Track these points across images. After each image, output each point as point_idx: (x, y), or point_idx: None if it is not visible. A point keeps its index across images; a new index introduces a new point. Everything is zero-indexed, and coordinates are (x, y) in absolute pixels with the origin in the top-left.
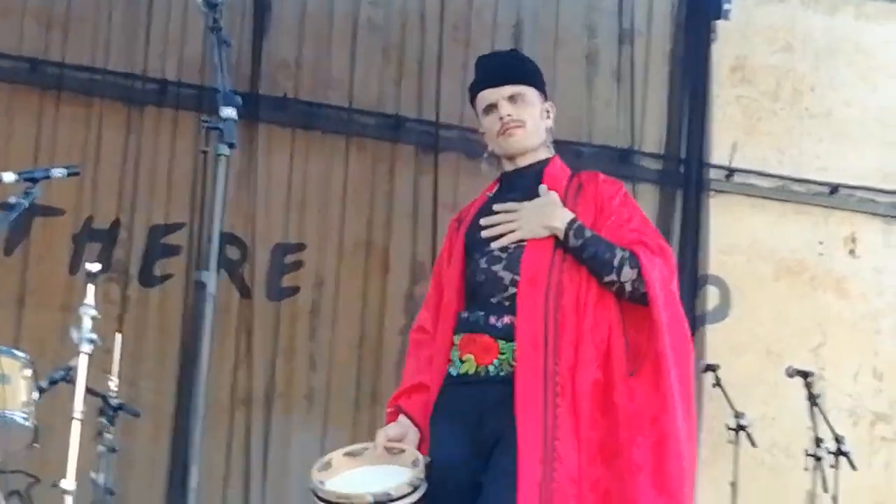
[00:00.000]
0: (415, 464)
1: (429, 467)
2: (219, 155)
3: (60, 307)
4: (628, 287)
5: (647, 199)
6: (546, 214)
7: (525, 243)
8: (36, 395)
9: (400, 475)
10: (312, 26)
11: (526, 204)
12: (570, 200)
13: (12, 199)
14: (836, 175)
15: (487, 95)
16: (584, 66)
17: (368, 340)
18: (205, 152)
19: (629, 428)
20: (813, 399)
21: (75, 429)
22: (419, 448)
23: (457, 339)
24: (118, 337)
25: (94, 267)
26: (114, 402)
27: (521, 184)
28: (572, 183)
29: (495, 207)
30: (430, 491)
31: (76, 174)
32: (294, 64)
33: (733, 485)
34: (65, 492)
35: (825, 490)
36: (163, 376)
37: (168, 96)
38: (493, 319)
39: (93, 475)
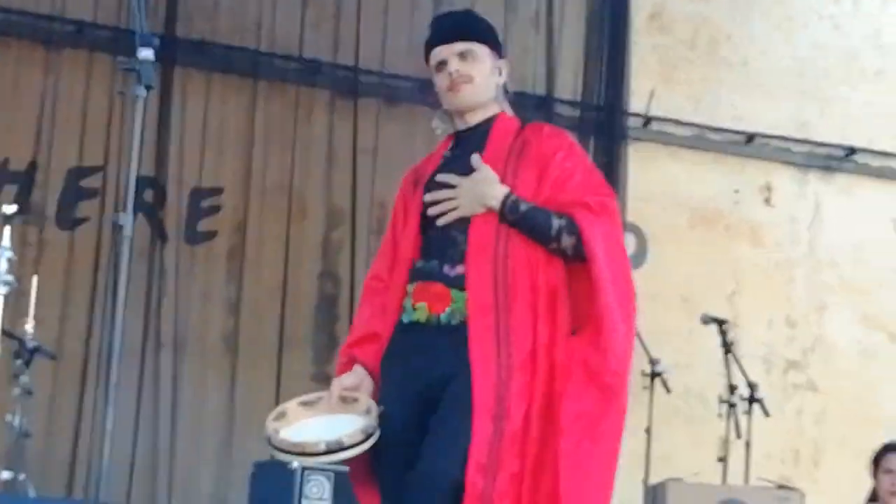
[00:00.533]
0: (368, 411)
1: (382, 416)
2: (136, 97)
3: None
4: (570, 252)
5: None
6: (481, 193)
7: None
8: None
9: (352, 423)
10: None
11: (464, 181)
12: (514, 161)
13: None
14: (752, 124)
15: (439, 52)
16: (503, 13)
17: (286, 285)
18: (122, 94)
19: (563, 381)
20: (727, 346)
21: None
22: (373, 397)
23: (410, 287)
24: (34, 279)
25: (10, 209)
26: (30, 344)
27: (472, 141)
28: (517, 140)
29: (438, 178)
30: (386, 423)
31: None
32: (212, 6)
33: (648, 431)
34: None
35: (738, 436)
36: (79, 319)
37: (85, 38)
38: (446, 268)
39: (8, 418)
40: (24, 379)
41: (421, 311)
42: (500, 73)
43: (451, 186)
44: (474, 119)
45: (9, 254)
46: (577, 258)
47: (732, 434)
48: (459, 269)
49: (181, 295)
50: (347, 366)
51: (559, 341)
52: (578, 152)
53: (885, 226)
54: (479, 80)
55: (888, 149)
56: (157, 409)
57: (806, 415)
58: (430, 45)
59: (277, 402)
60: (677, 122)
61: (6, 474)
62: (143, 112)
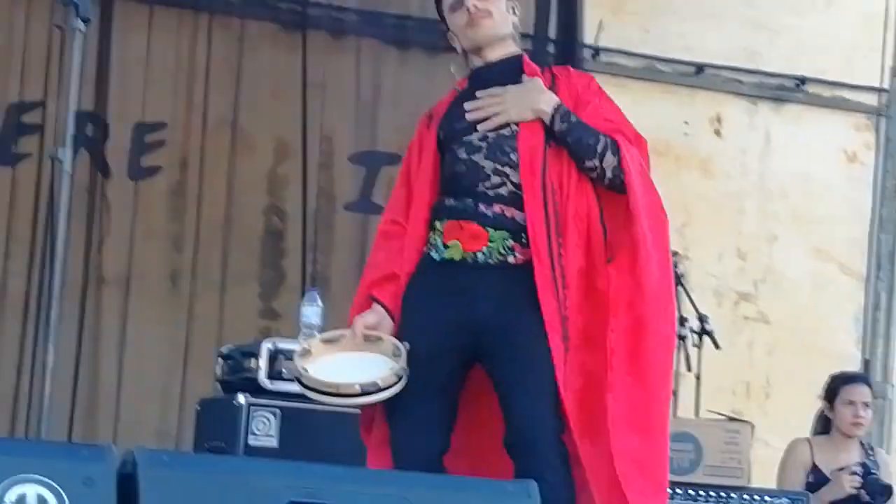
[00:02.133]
0: (396, 352)
1: (409, 354)
2: (74, 30)
3: None
4: (609, 174)
5: None
6: (533, 98)
7: (506, 131)
8: None
9: (383, 364)
10: None
11: (510, 88)
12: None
13: None
14: (702, 55)
15: None
16: None
17: (231, 220)
18: (59, 28)
19: (606, 312)
20: (677, 279)
21: None
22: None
23: (439, 224)
24: None
25: None
26: None
27: (492, 77)
28: (544, 76)
29: (479, 94)
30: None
31: None
32: None
33: None
34: None
35: (689, 369)
36: (21, 256)
37: None
38: (482, 207)
39: None
40: None
41: (455, 249)
42: (515, 13)
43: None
44: (493, 55)
45: None
46: (613, 181)
47: (683, 367)
48: (497, 209)
49: (125, 231)
50: (365, 305)
51: (598, 268)
52: (605, 93)
53: (835, 156)
54: (497, 15)
55: (839, 79)
56: (99, 346)
57: (757, 347)
58: None
59: (223, 338)
60: (626, 54)
61: None
62: (83, 46)
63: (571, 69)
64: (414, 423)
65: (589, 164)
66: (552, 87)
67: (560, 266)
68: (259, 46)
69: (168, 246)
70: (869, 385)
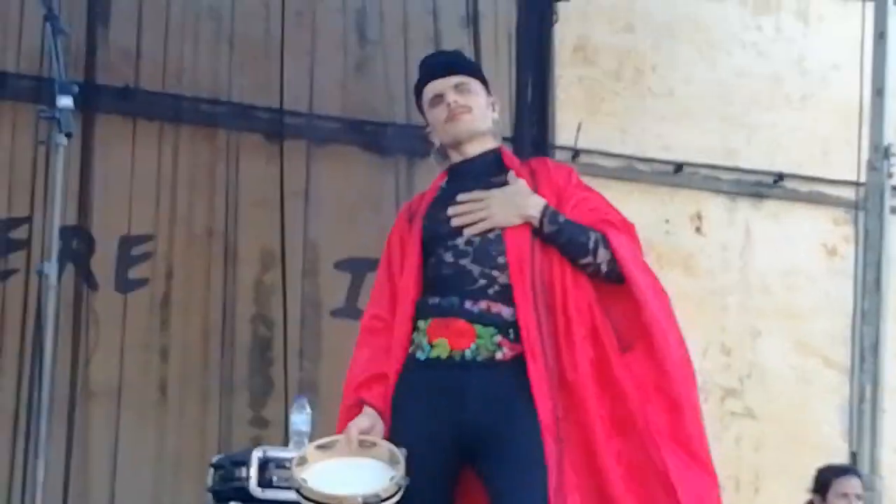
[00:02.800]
0: (393, 458)
1: (407, 460)
2: (57, 145)
3: None
4: (604, 268)
5: None
6: (520, 203)
7: (491, 234)
8: None
9: (380, 471)
10: (152, 14)
11: (495, 192)
12: (530, 187)
13: None
14: (680, 153)
15: (434, 86)
16: (432, 48)
17: (222, 330)
18: (43, 143)
19: (636, 397)
20: None
21: None
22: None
23: (423, 324)
24: None
25: None
26: None
27: (471, 172)
28: (523, 169)
29: (461, 197)
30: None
31: None
32: (134, 53)
33: None
34: None
35: None
36: (10, 372)
37: (7, 89)
38: (468, 304)
39: None
40: None
41: (441, 348)
42: (494, 109)
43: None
44: (472, 151)
45: None
46: (609, 275)
47: None
48: (483, 305)
49: (113, 343)
50: (355, 408)
51: (612, 358)
52: (584, 183)
53: (815, 250)
54: (476, 111)
55: (816, 174)
56: (89, 458)
57: (744, 442)
58: (424, 82)
59: (218, 448)
60: (605, 154)
61: None
62: (66, 160)
63: (549, 161)
64: None
65: (583, 261)
66: (532, 180)
67: (554, 366)
68: (240, 156)
69: (156, 357)
70: (860, 477)
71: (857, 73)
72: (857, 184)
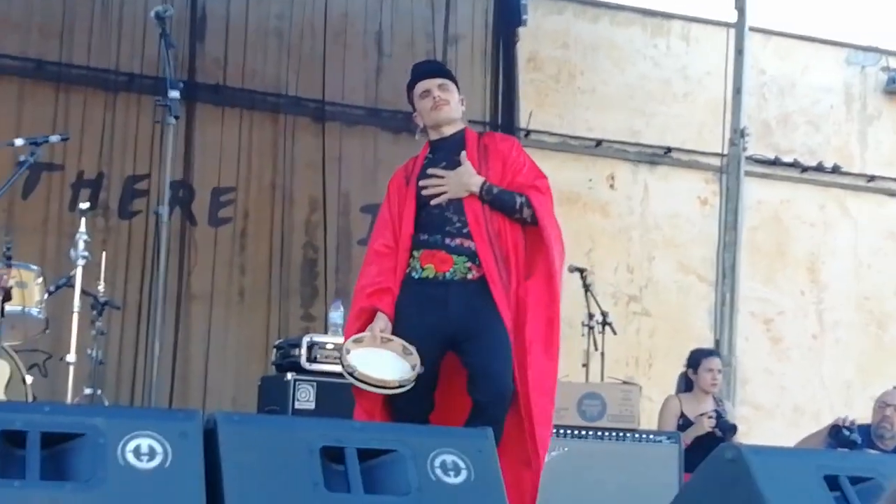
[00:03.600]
0: (406, 350)
1: (418, 352)
2: (168, 124)
3: (66, 234)
4: (529, 220)
5: None
6: (465, 182)
7: (456, 200)
8: (46, 295)
9: (400, 361)
10: (235, 34)
11: (450, 173)
12: (482, 159)
13: (22, 158)
14: (600, 133)
15: (424, 84)
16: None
17: (281, 253)
18: (158, 122)
19: (525, 313)
20: (586, 287)
21: (75, 319)
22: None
23: (417, 253)
24: (104, 254)
25: (85, 205)
26: (101, 299)
27: (446, 147)
28: (480, 145)
29: (429, 172)
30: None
31: (66, 139)
32: (222, 59)
33: None
34: (69, 364)
35: (596, 349)
36: (135, 281)
37: (134, 85)
38: (448, 240)
39: (89, 351)
40: (98, 324)
41: (429, 270)
42: (462, 104)
43: (441, 176)
44: (448, 131)
45: (85, 237)
46: (532, 224)
47: (592, 348)
48: (458, 241)
49: (207, 262)
50: (366, 312)
51: (521, 282)
52: (524, 151)
53: (693, 201)
54: (452, 103)
55: (694, 148)
56: (189, 342)
57: (642, 333)
58: (416, 80)
59: (279, 336)
60: (549, 133)
61: (88, 391)
62: (175, 135)
63: (497, 135)
64: (412, 393)
65: (513, 216)
66: (485, 153)
67: (507, 284)
68: (295, 133)
69: (237, 272)
70: (720, 357)
71: (722, 77)
72: (721, 155)
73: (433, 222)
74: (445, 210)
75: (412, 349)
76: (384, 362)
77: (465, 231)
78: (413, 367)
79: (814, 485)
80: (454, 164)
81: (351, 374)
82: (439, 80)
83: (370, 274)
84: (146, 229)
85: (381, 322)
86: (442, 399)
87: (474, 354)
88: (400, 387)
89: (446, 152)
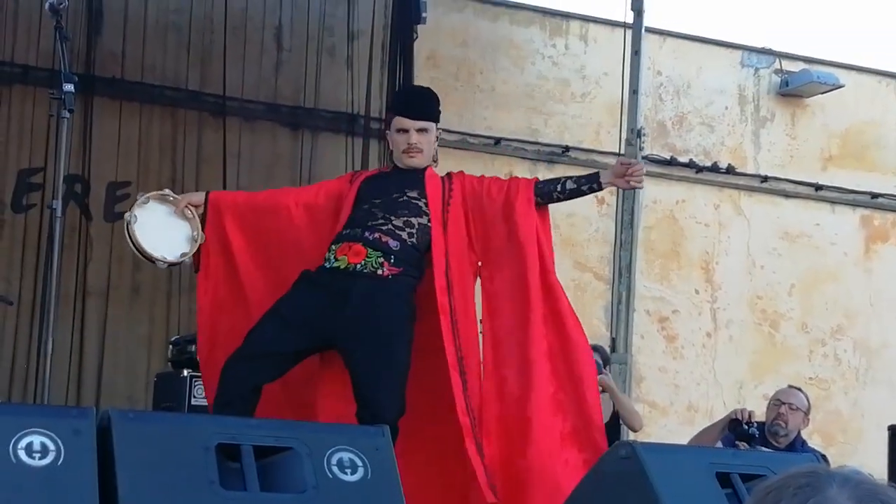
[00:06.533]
0: (194, 237)
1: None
2: (62, 118)
3: None
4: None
5: (375, 152)
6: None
7: (399, 197)
8: None
9: (183, 240)
10: (133, 27)
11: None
12: (446, 200)
13: None
14: (499, 132)
15: (404, 122)
16: (327, 55)
17: None
18: (52, 116)
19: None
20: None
21: None
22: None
23: (335, 246)
24: None
25: None
26: None
27: (406, 177)
28: (445, 185)
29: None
30: (287, 314)
31: None
32: (119, 53)
33: None
34: None
35: None
36: (29, 277)
37: (29, 77)
38: (367, 234)
39: None
40: None
41: (342, 261)
42: (437, 139)
43: (384, 198)
44: (409, 167)
45: None
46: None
47: None
48: (376, 235)
49: (103, 257)
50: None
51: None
52: (472, 176)
53: (589, 199)
54: (426, 152)
55: (592, 147)
56: (84, 338)
57: None
58: (398, 111)
59: (178, 332)
60: (448, 131)
61: None
62: (69, 129)
63: (465, 174)
64: (261, 346)
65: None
66: (450, 194)
67: (455, 316)
68: (193, 128)
69: (132, 267)
70: (599, 352)
71: (619, 78)
72: (618, 154)
73: (358, 218)
74: (374, 207)
75: (199, 240)
76: (165, 234)
77: (385, 228)
78: (184, 256)
79: (706, 481)
80: (402, 195)
81: (126, 225)
82: (421, 124)
83: (255, 193)
84: (41, 224)
85: (197, 197)
86: (336, 396)
87: (361, 366)
88: (164, 264)
89: (400, 184)
